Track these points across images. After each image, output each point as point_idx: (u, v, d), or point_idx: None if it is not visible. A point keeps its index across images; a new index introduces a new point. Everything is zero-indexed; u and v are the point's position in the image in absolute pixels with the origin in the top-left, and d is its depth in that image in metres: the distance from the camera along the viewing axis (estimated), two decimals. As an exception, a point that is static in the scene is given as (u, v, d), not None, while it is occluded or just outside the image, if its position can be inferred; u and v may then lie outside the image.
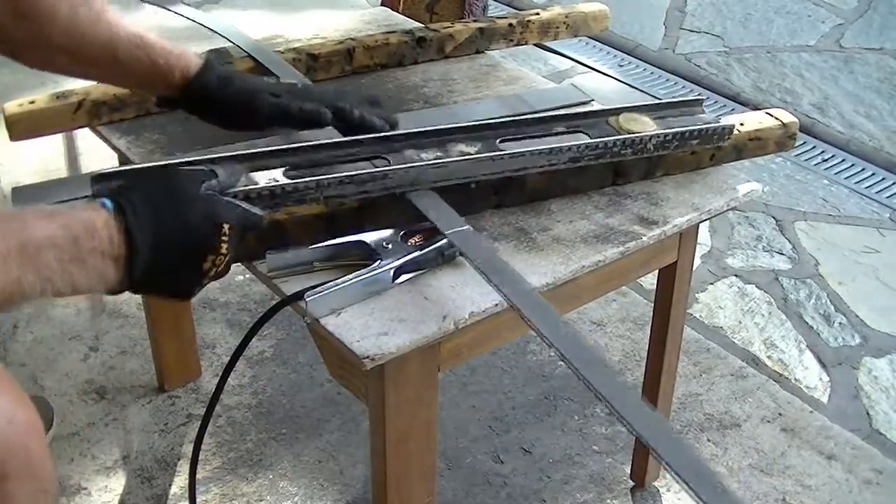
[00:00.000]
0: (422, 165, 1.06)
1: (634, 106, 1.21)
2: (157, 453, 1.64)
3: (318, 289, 0.95)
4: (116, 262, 0.81)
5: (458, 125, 1.13)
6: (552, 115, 1.18)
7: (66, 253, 0.77)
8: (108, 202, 0.82)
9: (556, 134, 1.16)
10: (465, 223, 1.02)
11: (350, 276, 0.97)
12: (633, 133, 1.15)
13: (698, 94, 3.07)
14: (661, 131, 1.16)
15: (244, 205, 0.92)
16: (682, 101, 1.24)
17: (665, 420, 1.43)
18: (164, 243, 0.83)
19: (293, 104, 1.10)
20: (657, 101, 1.24)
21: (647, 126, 1.17)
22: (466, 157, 1.08)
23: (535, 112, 1.18)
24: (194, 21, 1.51)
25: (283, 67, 1.36)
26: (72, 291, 0.78)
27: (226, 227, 0.87)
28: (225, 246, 0.87)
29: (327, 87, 1.23)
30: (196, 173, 0.93)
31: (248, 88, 1.10)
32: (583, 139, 1.14)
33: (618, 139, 1.13)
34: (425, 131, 1.10)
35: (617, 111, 1.20)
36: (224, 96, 1.09)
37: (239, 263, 1.04)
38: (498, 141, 1.13)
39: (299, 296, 0.96)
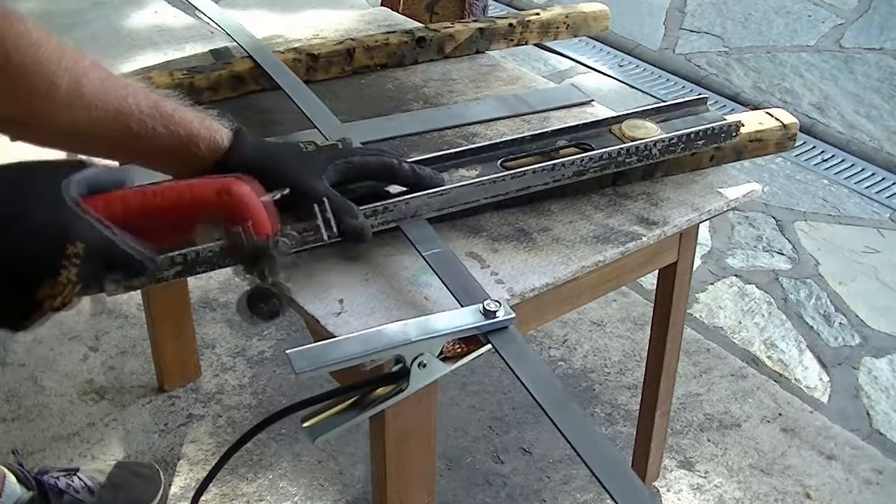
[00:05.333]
0: (423, 195, 1.03)
1: (637, 111, 1.20)
2: (157, 453, 1.64)
3: (316, 419, 0.87)
4: None
5: (457, 150, 1.11)
6: (553, 130, 1.16)
7: None
8: None
9: (559, 148, 1.15)
10: (442, 245, 1.00)
11: (353, 412, 0.88)
12: (637, 140, 1.14)
13: (699, 94, 3.06)
14: (665, 135, 1.14)
15: (121, 236, 0.72)
16: (686, 101, 1.23)
17: None
18: None
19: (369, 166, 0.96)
20: (659, 105, 1.22)
21: (650, 131, 1.16)
22: (469, 183, 1.06)
23: (536, 130, 1.17)
24: (204, 14, 1.50)
25: (282, 70, 1.36)
26: None
27: (74, 248, 0.69)
28: (67, 273, 0.68)
29: (352, 147, 1.08)
30: (59, 168, 0.74)
31: (293, 157, 0.95)
32: (586, 151, 1.13)
33: (622, 148, 1.12)
34: (422, 160, 1.08)
35: (619, 119, 1.19)
36: (264, 169, 0.91)
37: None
38: (499, 162, 1.12)
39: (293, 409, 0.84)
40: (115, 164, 0.87)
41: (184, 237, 0.83)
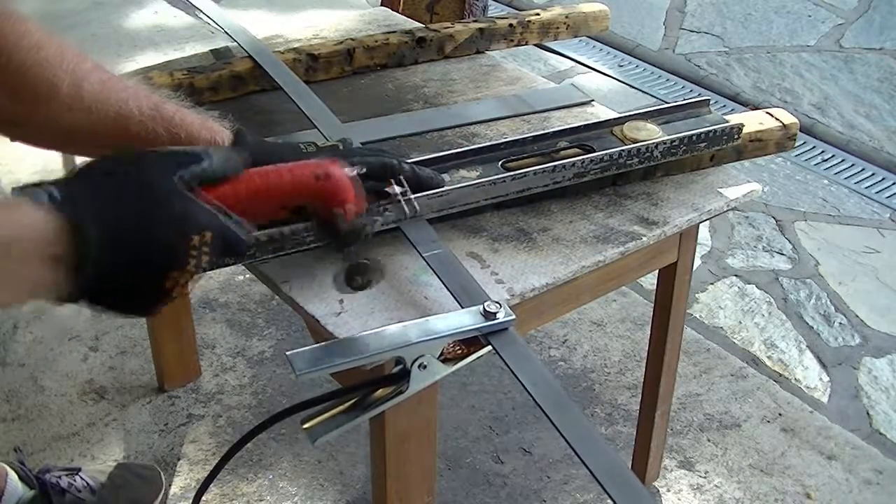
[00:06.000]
0: (423, 196, 1.02)
1: (639, 113, 1.20)
2: (157, 453, 1.64)
3: (316, 420, 0.86)
4: (56, 264, 0.65)
5: (458, 150, 1.11)
6: (555, 131, 1.16)
7: None
8: (53, 192, 0.67)
9: (560, 149, 1.15)
10: (442, 246, 1.00)
11: (353, 413, 0.87)
12: (639, 142, 1.14)
13: (698, 94, 3.07)
14: (667, 137, 1.14)
15: (231, 221, 0.74)
16: (688, 102, 1.23)
17: None
18: (120, 244, 0.68)
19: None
20: (661, 106, 1.22)
21: (652, 133, 1.16)
22: (469, 184, 1.06)
23: (536, 130, 1.16)
24: (204, 14, 1.50)
25: (282, 70, 1.36)
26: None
27: (197, 238, 0.71)
28: (194, 262, 0.71)
29: (352, 147, 1.07)
30: (173, 157, 0.75)
31: (293, 158, 0.92)
32: (587, 152, 1.13)
33: (623, 150, 1.12)
34: (423, 160, 1.07)
35: (621, 120, 1.19)
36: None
37: (239, 264, 1.02)
38: (500, 163, 1.12)
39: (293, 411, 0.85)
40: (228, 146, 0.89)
41: (277, 219, 0.86)
